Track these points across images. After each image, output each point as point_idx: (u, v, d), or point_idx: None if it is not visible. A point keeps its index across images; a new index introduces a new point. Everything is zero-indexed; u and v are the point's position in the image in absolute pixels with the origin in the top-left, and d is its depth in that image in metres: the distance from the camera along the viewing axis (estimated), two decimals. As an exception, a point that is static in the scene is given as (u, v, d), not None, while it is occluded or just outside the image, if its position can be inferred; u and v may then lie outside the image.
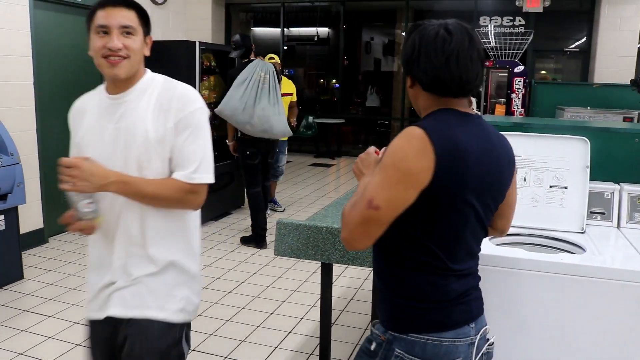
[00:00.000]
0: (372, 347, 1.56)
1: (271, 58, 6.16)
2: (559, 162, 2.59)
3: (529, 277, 2.07)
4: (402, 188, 1.39)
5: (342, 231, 1.47)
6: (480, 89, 7.89)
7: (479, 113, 1.70)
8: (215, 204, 6.24)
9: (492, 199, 1.55)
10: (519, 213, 2.62)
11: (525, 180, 2.71)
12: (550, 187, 2.59)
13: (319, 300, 4.11)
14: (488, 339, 1.59)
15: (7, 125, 4.32)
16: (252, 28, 12.62)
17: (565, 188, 2.55)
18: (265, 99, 5.06)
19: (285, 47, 11.21)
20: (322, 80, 14.93)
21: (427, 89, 1.51)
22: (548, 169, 2.61)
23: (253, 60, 5.30)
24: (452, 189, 1.41)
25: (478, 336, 1.54)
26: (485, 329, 1.58)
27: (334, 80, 14.28)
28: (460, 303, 1.52)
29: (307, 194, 7.66)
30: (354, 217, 1.43)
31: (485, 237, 1.63)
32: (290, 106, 6.29)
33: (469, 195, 1.44)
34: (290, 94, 6.28)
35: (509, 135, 2.68)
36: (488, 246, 2.23)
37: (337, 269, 4.57)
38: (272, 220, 6.27)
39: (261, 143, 5.29)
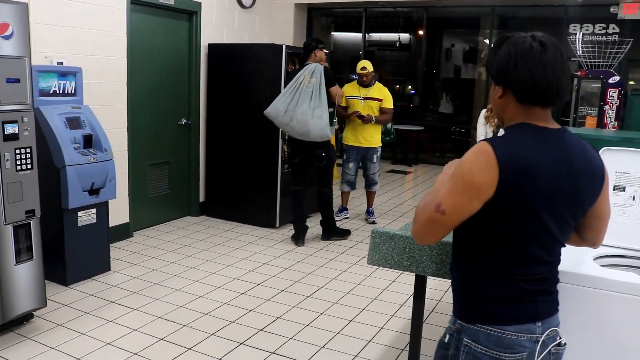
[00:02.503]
0: (446, 339, 1.70)
1: (363, 68, 6.10)
2: (673, 181, 2.41)
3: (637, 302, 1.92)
4: (466, 198, 1.50)
5: (412, 225, 1.63)
6: (569, 100, 7.56)
7: (565, 127, 1.63)
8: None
9: (569, 213, 1.59)
10: (626, 233, 2.48)
11: (634, 199, 2.54)
12: (663, 207, 2.41)
13: (400, 309, 4.07)
14: (557, 340, 1.64)
15: (102, 122, 4.48)
16: (333, 33, 12.65)
17: (680, 208, 2.37)
18: (306, 103, 5.16)
19: (360, 52, 11.12)
20: (397, 86, 14.79)
21: (522, 98, 1.56)
22: (661, 188, 2.44)
23: (307, 64, 5.33)
24: (515, 204, 1.49)
25: (544, 335, 1.60)
26: (554, 330, 1.63)
27: (410, 87, 14.11)
28: (524, 302, 1.59)
29: (384, 201, 7.57)
30: (424, 216, 1.57)
31: (560, 248, 1.65)
32: (382, 112, 6.23)
33: (537, 209, 1.51)
34: (379, 100, 6.21)
35: (617, 150, 2.53)
36: (593, 267, 2.10)
37: (407, 287, 4.45)
38: (365, 229, 6.23)
39: (300, 143, 5.37)
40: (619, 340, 1.96)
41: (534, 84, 1.52)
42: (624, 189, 2.55)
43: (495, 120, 4.93)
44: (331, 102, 5.43)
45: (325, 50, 5.52)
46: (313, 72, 5.23)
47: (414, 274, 2.41)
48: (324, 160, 5.43)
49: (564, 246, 1.67)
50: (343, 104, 6.13)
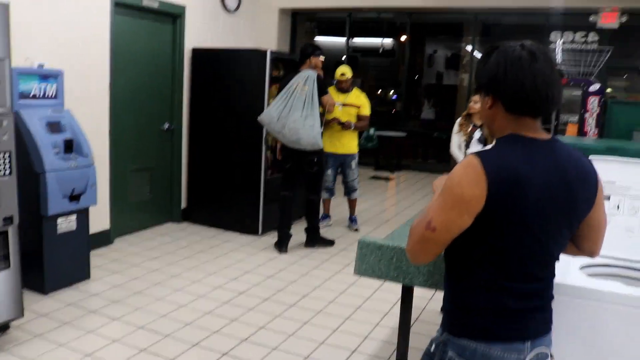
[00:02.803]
0: (432, 348, 1.69)
1: (342, 74, 6.08)
2: (657, 191, 2.42)
3: (625, 312, 1.92)
4: (456, 213, 1.49)
5: (407, 244, 1.63)
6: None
7: (556, 137, 1.62)
8: (276, 213, 6.21)
9: (564, 223, 1.58)
10: (611, 242, 2.47)
11: (618, 208, 2.55)
12: (647, 216, 2.42)
13: (384, 318, 4.04)
14: None
15: (83, 126, 4.40)
16: (316, 37, 12.63)
17: (665, 219, 2.38)
18: (299, 111, 5.12)
19: (343, 58, 11.11)
20: (379, 91, 14.82)
21: (512, 108, 1.54)
22: (645, 198, 2.44)
23: (300, 71, 5.30)
24: (507, 215, 1.48)
25: (531, 354, 1.57)
26: (543, 351, 1.60)
27: (392, 92, 14.15)
28: (514, 319, 1.56)
29: (367, 208, 7.55)
30: (415, 235, 1.58)
31: (554, 263, 1.63)
32: (359, 118, 6.19)
33: (528, 220, 1.49)
34: (358, 106, 6.18)
35: (602, 159, 2.53)
36: (580, 277, 2.10)
37: (392, 295, 4.44)
38: (348, 236, 6.20)
39: (292, 150, 5.32)
40: (608, 351, 1.96)
41: (524, 93, 1.50)
42: (608, 198, 2.55)
43: (469, 129, 4.93)
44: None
45: (321, 58, 5.46)
46: (307, 80, 5.18)
47: (401, 284, 2.39)
48: (315, 166, 5.38)
49: (558, 260, 1.65)
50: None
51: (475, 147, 4.92)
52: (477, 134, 4.85)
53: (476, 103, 4.90)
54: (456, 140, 5.12)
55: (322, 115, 5.40)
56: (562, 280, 2.05)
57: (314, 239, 5.67)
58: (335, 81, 6.17)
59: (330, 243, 5.75)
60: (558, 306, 1.99)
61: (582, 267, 2.27)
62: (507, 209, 1.47)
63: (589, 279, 2.09)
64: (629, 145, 3.01)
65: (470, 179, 1.47)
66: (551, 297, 1.67)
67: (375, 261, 2.29)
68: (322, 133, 5.28)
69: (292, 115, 5.11)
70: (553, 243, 1.58)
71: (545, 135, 1.58)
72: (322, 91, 5.22)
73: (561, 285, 1.99)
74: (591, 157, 2.52)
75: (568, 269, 2.28)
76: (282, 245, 5.51)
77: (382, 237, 2.48)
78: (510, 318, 1.56)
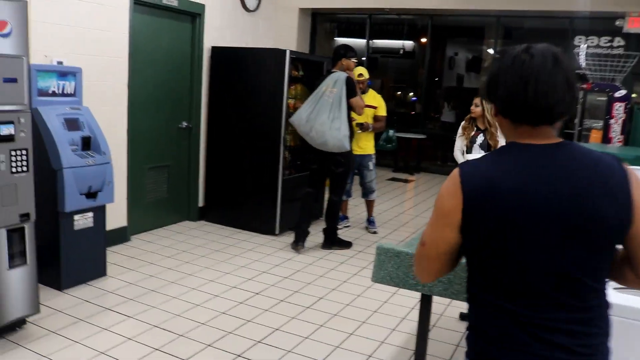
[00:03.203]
0: None
1: (360, 75, 6.03)
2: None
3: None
4: (440, 226, 1.45)
5: None
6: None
7: (565, 140, 1.48)
8: (295, 213, 6.17)
9: (581, 240, 1.34)
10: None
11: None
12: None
13: (400, 323, 3.98)
14: None
15: (100, 124, 4.39)
16: (336, 38, 12.57)
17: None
18: (326, 114, 5.14)
19: (363, 58, 11.06)
20: (399, 92, 14.72)
21: (506, 115, 1.46)
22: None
23: (333, 72, 5.31)
24: (483, 229, 1.38)
25: None
26: None
27: (411, 94, 14.04)
28: (520, 351, 1.38)
29: (385, 210, 7.47)
30: (415, 251, 1.55)
31: (589, 289, 1.38)
32: (376, 119, 6.14)
33: (508, 231, 1.36)
34: (374, 107, 6.13)
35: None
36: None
37: (410, 300, 4.38)
38: (366, 238, 6.14)
39: (317, 151, 5.32)
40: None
41: (510, 100, 1.42)
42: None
43: (472, 133, 4.76)
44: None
45: (354, 60, 5.49)
46: (336, 82, 5.18)
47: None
48: (341, 167, 5.36)
49: (598, 290, 1.41)
50: None
51: (477, 152, 4.75)
52: (480, 139, 4.73)
53: (477, 106, 4.76)
54: (459, 144, 4.93)
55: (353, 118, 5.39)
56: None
57: (332, 241, 5.61)
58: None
59: (347, 245, 5.69)
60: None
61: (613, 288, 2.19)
62: (482, 220, 1.38)
63: (617, 294, 2.01)
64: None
65: (449, 190, 1.43)
66: (598, 345, 1.40)
67: (393, 268, 2.24)
68: (350, 136, 5.27)
69: (320, 117, 5.12)
70: (569, 263, 1.36)
71: (548, 141, 1.43)
72: (351, 93, 5.22)
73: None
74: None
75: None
76: (299, 241, 5.47)
77: (401, 239, 2.43)
78: (517, 349, 1.40)
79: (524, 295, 1.39)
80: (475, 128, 4.81)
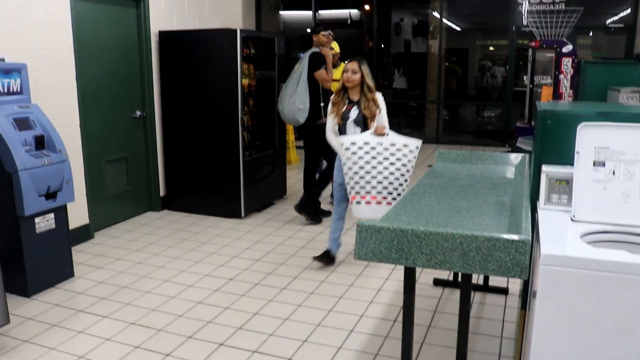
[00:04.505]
0: None
1: (330, 49, 5.96)
2: (653, 154, 2.40)
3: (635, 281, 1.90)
4: None
5: None
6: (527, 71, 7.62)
7: None
8: (258, 194, 6.13)
9: None
10: (609, 208, 2.47)
11: (614, 173, 2.52)
12: (643, 180, 2.40)
13: (377, 294, 4.02)
14: None
15: (52, 120, 4.22)
16: (281, 12, 12.39)
17: (662, 181, 2.36)
18: (289, 90, 5.48)
19: (308, 30, 10.94)
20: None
21: None
22: None
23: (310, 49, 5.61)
24: None
25: None
26: None
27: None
28: None
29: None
30: None
31: None
32: None
33: None
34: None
35: (595, 125, 2.50)
36: (582, 247, 2.06)
37: (383, 271, 4.43)
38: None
39: (316, 130, 5.50)
40: (617, 324, 1.94)
41: None
42: (603, 164, 2.53)
43: (343, 109, 4.19)
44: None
45: (323, 33, 5.59)
46: (303, 59, 5.47)
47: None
48: (318, 143, 5.51)
49: None
50: None
51: (352, 130, 4.21)
52: (353, 113, 4.17)
53: (355, 73, 4.13)
54: (330, 125, 4.27)
55: (325, 91, 5.57)
56: (563, 252, 2.02)
57: (307, 207, 5.67)
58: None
59: (316, 219, 5.70)
60: (561, 279, 1.96)
61: (583, 235, 2.25)
62: None
63: (592, 248, 2.06)
64: (621, 109, 2.98)
65: None
66: None
67: (375, 244, 2.24)
68: (323, 108, 5.47)
69: (285, 95, 5.47)
70: None
71: None
72: (313, 67, 5.37)
73: (564, 257, 1.96)
74: (584, 124, 2.50)
75: (567, 238, 2.27)
76: (316, 214, 5.71)
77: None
78: None
79: None
80: (346, 101, 4.22)
